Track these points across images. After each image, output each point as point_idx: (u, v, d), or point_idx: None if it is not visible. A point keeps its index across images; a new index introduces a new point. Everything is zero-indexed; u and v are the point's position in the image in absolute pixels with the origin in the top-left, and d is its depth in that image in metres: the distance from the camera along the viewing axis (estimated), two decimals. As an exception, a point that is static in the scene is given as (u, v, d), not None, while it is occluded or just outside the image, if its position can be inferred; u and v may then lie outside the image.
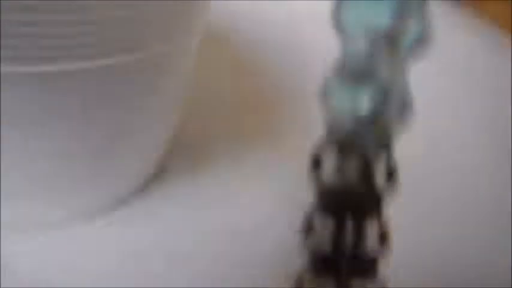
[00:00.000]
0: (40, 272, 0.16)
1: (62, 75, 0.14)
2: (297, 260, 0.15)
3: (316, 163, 0.08)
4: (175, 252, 0.17)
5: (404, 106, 0.08)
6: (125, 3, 0.14)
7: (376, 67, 0.08)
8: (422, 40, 0.08)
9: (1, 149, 0.15)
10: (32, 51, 0.13)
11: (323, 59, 0.25)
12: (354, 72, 0.08)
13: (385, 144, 0.09)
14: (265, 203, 0.19)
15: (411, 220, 0.18)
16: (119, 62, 0.14)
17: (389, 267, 0.14)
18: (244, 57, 0.22)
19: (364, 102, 0.08)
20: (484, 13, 0.35)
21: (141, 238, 0.17)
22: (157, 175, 0.19)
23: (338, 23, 0.08)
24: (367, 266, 0.09)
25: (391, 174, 0.08)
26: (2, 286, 0.15)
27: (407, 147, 0.21)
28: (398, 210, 0.18)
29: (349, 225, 0.09)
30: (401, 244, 0.16)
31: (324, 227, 0.10)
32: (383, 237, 0.09)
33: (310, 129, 0.19)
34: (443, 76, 0.24)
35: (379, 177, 0.09)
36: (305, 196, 0.14)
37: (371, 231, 0.09)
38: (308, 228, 0.09)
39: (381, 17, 0.07)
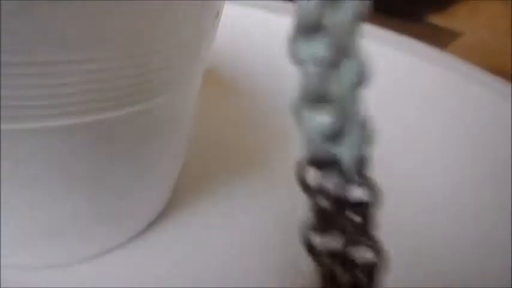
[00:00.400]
0: None
1: (74, 128, 0.14)
2: (295, 275, 0.17)
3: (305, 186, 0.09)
4: (189, 273, 0.17)
5: (363, 126, 0.09)
6: (133, 63, 0.14)
7: (329, 91, 0.09)
8: (360, 80, 0.09)
9: (13, 194, 0.15)
10: (49, 108, 0.13)
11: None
12: (313, 96, 0.09)
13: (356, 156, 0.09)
14: (262, 224, 0.20)
15: (411, 220, 0.19)
16: (127, 113, 0.15)
17: (389, 267, 0.15)
18: (244, 105, 0.22)
19: (325, 121, 0.09)
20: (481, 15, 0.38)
21: (159, 263, 0.18)
22: (164, 210, 0.20)
23: (292, 56, 0.09)
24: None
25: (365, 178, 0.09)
26: (2, 286, 0.16)
27: (407, 157, 0.22)
28: (399, 210, 0.18)
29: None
30: (401, 244, 0.17)
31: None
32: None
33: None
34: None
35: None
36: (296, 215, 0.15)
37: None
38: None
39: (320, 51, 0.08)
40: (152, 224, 0.19)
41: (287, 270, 0.18)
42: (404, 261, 0.17)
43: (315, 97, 0.09)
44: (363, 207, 0.10)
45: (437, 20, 0.40)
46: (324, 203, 0.09)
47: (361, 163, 0.09)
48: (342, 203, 0.09)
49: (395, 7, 0.38)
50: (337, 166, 0.09)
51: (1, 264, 0.17)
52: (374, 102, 0.25)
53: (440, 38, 0.37)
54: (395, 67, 0.26)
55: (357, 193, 0.10)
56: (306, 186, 0.09)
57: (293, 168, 0.12)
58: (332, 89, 0.09)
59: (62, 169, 0.15)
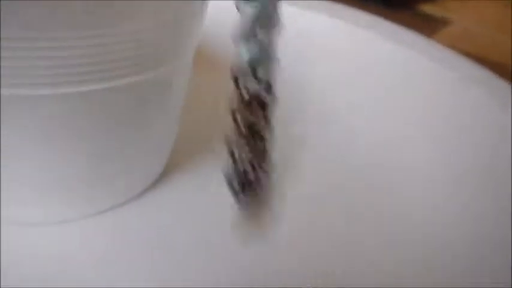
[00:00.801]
0: (51, 264, 0.17)
1: (80, 95, 0.15)
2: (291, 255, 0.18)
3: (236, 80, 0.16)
4: (185, 235, 0.18)
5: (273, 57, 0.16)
6: (134, 35, 0.15)
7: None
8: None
9: (19, 155, 0.16)
10: (55, 76, 0.15)
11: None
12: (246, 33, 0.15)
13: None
14: None
15: (411, 220, 0.20)
16: (131, 82, 0.16)
17: (391, 267, 0.17)
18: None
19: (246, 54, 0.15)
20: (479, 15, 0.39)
21: (156, 224, 0.19)
22: (162, 173, 0.21)
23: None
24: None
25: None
26: (2, 286, 0.16)
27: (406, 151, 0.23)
28: (399, 210, 0.20)
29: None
30: (401, 244, 0.19)
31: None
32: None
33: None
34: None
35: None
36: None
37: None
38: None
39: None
40: (151, 187, 0.20)
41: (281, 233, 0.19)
42: (404, 261, 0.18)
43: (248, 36, 0.15)
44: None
45: (426, 8, 0.40)
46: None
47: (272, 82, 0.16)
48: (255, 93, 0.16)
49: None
50: (254, 74, 0.16)
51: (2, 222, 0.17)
52: (364, 91, 0.26)
53: (428, 26, 0.37)
54: (388, 58, 0.27)
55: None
56: (235, 79, 0.16)
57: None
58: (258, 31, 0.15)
59: (70, 131, 0.16)
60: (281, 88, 0.18)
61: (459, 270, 0.18)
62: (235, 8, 0.15)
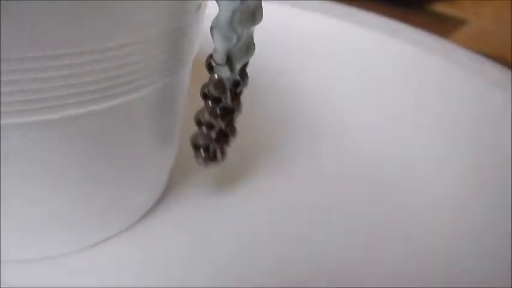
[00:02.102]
0: None
1: (65, 122, 0.14)
2: (299, 265, 0.18)
3: (210, 67, 0.18)
4: (184, 262, 0.18)
5: (250, 50, 0.17)
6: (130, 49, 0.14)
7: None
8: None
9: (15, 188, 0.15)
10: (48, 100, 0.13)
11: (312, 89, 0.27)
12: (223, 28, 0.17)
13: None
14: (260, 212, 0.20)
15: (411, 220, 0.20)
16: (123, 102, 0.15)
17: (390, 268, 0.18)
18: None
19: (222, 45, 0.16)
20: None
21: (155, 252, 0.18)
22: (160, 199, 0.20)
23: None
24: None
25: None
26: (2, 286, 0.16)
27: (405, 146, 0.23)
28: (399, 211, 0.20)
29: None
30: (401, 244, 0.19)
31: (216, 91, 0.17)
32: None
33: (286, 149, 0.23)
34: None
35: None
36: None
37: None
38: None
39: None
40: (148, 213, 0.19)
41: (285, 258, 0.18)
42: (404, 260, 0.18)
43: (227, 30, 0.17)
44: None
45: (441, 8, 0.39)
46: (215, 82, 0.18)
47: (244, 65, 0.18)
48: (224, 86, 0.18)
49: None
50: (229, 65, 0.18)
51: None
52: (372, 91, 0.26)
53: (443, 27, 0.36)
54: (394, 56, 0.27)
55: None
56: (209, 67, 0.18)
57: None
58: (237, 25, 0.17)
59: (57, 162, 0.15)
60: (289, 90, 0.20)
61: (459, 270, 0.18)
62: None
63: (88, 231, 0.18)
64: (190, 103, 0.19)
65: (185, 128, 0.20)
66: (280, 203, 0.21)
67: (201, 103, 0.18)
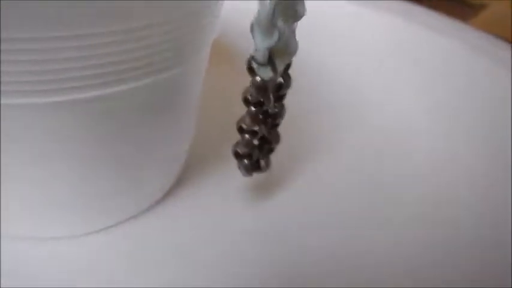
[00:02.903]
0: (65, 277, 0.16)
1: (96, 100, 0.14)
2: (308, 257, 0.18)
3: (251, 69, 0.17)
4: (193, 253, 0.18)
5: (292, 47, 0.16)
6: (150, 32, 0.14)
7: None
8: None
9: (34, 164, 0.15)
10: (71, 81, 0.14)
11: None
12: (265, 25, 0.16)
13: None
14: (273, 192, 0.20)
15: (411, 220, 0.20)
16: (143, 85, 0.15)
17: (389, 267, 0.17)
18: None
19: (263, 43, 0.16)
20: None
21: (172, 234, 0.18)
22: (177, 182, 0.20)
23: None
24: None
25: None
26: (2, 286, 0.16)
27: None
28: (399, 211, 0.20)
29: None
30: (401, 244, 0.19)
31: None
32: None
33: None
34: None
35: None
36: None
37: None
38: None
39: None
40: (166, 196, 0.19)
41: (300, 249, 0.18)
42: (404, 260, 0.18)
43: (267, 26, 0.16)
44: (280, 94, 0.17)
45: None
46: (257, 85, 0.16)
47: (287, 66, 0.17)
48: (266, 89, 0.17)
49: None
50: (272, 65, 0.17)
51: (16, 236, 0.17)
52: (380, 71, 0.26)
53: (461, 11, 0.35)
54: (400, 36, 0.27)
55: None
56: (250, 70, 0.16)
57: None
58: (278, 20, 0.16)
59: (80, 143, 0.15)
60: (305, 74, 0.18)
61: (459, 269, 0.18)
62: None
63: (100, 214, 0.18)
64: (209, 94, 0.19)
65: (203, 116, 0.20)
66: (301, 194, 0.20)
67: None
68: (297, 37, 0.16)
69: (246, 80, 0.16)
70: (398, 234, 0.19)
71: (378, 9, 0.29)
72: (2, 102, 0.13)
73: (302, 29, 0.16)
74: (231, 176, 0.19)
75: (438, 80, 0.26)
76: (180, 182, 0.20)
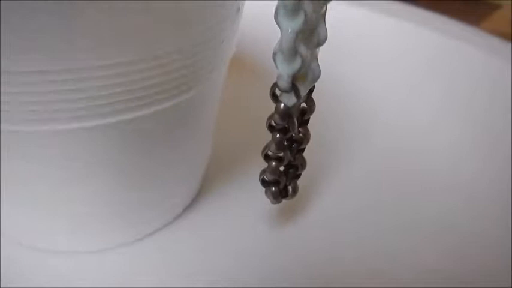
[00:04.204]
0: None
1: (116, 126, 0.15)
2: (322, 270, 0.18)
3: (274, 96, 0.16)
4: (215, 266, 0.18)
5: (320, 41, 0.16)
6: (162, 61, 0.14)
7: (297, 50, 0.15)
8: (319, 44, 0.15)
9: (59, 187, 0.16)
10: (97, 108, 0.14)
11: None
12: (288, 52, 0.15)
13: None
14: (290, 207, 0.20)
15: (411, 220, 0.20)
16: (158, 111, 0.15)
17: (391, 267, 0.18)
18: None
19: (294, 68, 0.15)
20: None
21: (186, 254, 0.19)
22: (197, 196, 0.21)
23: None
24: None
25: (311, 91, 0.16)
26: (2, 286, 0.16)
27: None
28: (400, 212, 0.20)
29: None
30: (402, 244, 0.19)
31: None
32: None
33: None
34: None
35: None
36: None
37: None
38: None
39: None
40: (187, 210, 0.20)
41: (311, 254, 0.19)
42: (404, 260, 0.19)
43: (289, 53, 0.16)
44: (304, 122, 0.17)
45: None
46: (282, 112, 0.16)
47: (310, 91, 0.17)
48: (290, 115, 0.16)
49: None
50: (295, 91, 0.16)
51: (48, 250, 0.17)
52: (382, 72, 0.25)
53: (477, 11, 0.36)
54: (403, 37, 0.28)
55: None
56: (273, 96, 0.16)
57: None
58: (300, 47, 0.15)
59: (105, 164, 0.16)
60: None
61: (459, 270, 0.18)
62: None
63: (128, 227, 0.18)
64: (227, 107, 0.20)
65: (221, 130, 0.20)
66: (321, 208, 0.21)
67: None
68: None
69: (265, 91, 0.16)
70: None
71: (385, 13, 0.29)
72: (45, 128, 0.14)
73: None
74: (249, 189, 0.19)
75: (454, 86, 0.26)
76: (201, 195, 0.21)
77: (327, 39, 0.15)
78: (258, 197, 0.19)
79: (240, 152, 0.22)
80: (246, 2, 0.17)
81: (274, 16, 0.15)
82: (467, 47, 0.26)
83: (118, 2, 0.12)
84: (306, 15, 0.15)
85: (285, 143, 0.17)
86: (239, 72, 0.22)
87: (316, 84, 0.16)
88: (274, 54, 0.15)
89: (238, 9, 0.16)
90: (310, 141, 0.17)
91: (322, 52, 0.16)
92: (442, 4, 0.31)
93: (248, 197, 0.20)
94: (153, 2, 0.13)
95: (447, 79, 0.26)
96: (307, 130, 0.17)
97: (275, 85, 0.16)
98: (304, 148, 0.17)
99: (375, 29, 0.29)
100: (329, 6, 0.15)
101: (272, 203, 0.18)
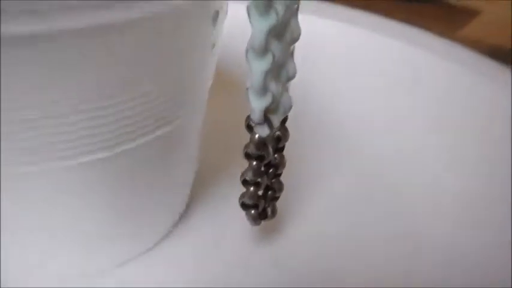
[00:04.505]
0: None
1: (107, 159, 0.15)
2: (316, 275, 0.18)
3: (249, 127, 0.18)
4: (208, 279, 0.18)
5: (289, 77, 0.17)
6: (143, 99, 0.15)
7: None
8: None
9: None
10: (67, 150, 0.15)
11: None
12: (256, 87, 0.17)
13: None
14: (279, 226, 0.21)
15: (411, 221, 0.21)
16: (139, 145, 0.16)
17: (390, 267, 0.18)
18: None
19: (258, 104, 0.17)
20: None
21: (179, 270, 0.19)
22: (181, 217, 0.21)
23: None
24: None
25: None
26: (2, 286, 0.16)
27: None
28: (400, 213, 0.21)
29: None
30: (401, 244, 0.20)
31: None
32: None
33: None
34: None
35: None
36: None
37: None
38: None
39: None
40: (170, 233, 0.20)
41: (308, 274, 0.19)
42: (404, 260, 0.19)
43: (260, 89, 0.17)
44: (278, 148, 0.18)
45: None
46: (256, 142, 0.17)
47: (283, 121, 0.18)
48: (265, 144, 0.18)
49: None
50: (268, 123, 0.18)
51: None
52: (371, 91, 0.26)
53: (457, 18, 0.36)
54: (391, 55, 0.28)
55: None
56: (248, 127, 0.17)
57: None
58: (270, 83, 0.17)
59: (95, 196, 0.16)
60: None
61: (459, 270, 0.18)
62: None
63: (116, 251, 0.19)
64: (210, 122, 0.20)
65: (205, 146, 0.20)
66: (310, 221, 0.21)
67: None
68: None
69: (244, 108, 0.17)
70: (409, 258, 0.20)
71: (376, 32, 0.29)
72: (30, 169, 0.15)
73: (299, 51, 0.17)
74: (233, 211, 0.19)
75: (441, 105, 0.26)
76: (186, 216, 0.21)
77: (309, 55, 0.15)
78: (242, 219, 0.19)
79: (224, 168, 0.23)
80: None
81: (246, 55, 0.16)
82: (453, 66, 0.27)
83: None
84: (274, 57, 0.16)
85: (262, 169, 0.18)
86: (223, 87, 0.21)
87: (297, 106, 0.17)
88: (246, 90, 0.17)
89: (214, 46, 0.17)
90: (293, 156, 0.18)
91: (304, 70, 0.17)
92: (422, 10, 0.31)
93: (235, 213, 0.20)
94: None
95: (433, 98, 0.27)
96: (283, 156, 0.18)
97: (248, 118, 0.17)
98: (281, 173, 0.19)
99: (354, 44, 0.29)
100: (303, 19, 0.15)
101: (252, 225, 0.19)
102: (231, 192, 0.19)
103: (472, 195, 0.22)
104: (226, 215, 0.21)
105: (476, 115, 0.24)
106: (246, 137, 0.17)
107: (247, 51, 0.16)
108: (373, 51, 0.29)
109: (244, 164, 0.17)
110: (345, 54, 0.29)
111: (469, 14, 0.37)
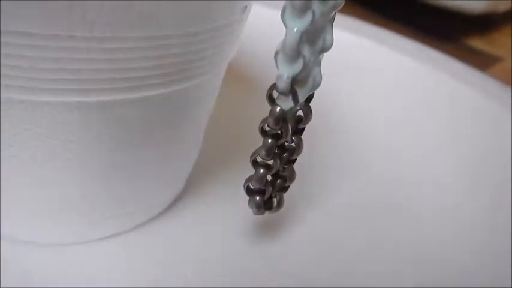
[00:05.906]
0: (71, 283, 0.16)
1: (110, 104, 0.15)
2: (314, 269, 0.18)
3: (271, 98, 0.15)
4: (202, 258, 0.18)
5: (316, 79, 0.15)
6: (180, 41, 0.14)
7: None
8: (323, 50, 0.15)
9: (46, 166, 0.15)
10: (108, 82, 0.14)
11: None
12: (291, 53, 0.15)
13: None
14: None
15: (411, 221, 0.21)
16: (157, 94, 0.15)
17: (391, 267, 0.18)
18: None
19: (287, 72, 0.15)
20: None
21: (174, 246, 0.18)
22: (181, 194, 0.20)
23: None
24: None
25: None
26: (2, 286, 0.16)
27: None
28: (401, 214, 0.21)
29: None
30: (402, 244, 0.19)
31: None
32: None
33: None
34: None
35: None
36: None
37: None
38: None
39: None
40: (170, 207, 0.20)
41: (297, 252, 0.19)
42: (404, 261, 0.19)
43: (292, 54, 0.15)
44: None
45: (476, 43, 0.38)
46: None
47: (308, 99, 0.16)
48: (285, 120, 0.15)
49: (433, 27, 0.37)
50: (293, 95, 0.16)
51: (18, 241, 0.17)
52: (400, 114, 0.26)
53: (477, 61, 0.35)
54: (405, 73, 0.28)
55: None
56: (270, 98, 0.15)
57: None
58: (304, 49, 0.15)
59: (92, 146, 0.15)
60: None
61: (459, 270, 0.18)
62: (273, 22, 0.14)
63: (109, 220, 0.18)
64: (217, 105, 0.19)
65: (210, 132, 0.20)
66: (301, 213, 0.20)
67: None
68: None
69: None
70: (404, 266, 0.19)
71: (389, 47, 0.29)
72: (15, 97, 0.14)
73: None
74: (237, 189, 0.18)
75: (450, 127, 0.26)
76: (186, 193, 0.20)
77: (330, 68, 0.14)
78: (241, 208, 0.18)
79: (226, 160, 0.22)
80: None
81: (281, 15, 0.14)
82: (467, 89, 0.26)
83: None
84: (314, 16, 0.14)
85: (276, 150, 0.16)
86: (229, 79, 0.20)
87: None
88: (276, 54, 0.15)
89: (245, 8, 0.16)
90: (301, 157, 0.16)
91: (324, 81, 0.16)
92: (441, 50, 0.30)
93: (231, 208, 0.20)
94: None
95: (445, 118, 0.26)
96: (301, 140, 0.16)
97: (273, 86, 0.15)
98: (295, 159, 0.17)
99: (377, 61, 0.29)
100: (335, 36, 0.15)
101: (254, 213, 0.17)
102: (230, 186, 0.19)
103: (474, 208, 0.21)
104: (220, 209, 0.20)
105: (482, 133, 0.25)
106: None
107: (284, 8, 0.14)
108: (385, 68, 0.29)
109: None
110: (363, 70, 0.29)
111: (491, 58, 0.37)
